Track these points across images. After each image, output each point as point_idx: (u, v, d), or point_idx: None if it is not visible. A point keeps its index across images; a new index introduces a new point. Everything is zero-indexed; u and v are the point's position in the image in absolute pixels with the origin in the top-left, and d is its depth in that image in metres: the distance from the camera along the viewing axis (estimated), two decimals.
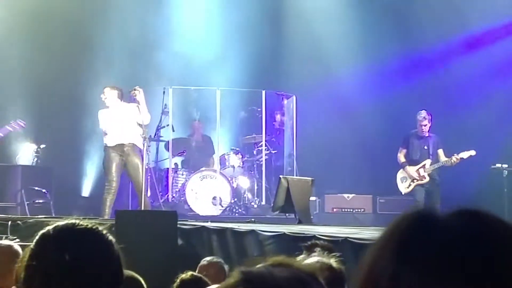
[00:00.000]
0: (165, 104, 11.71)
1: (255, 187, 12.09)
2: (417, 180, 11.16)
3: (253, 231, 7.10)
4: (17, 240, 4.67)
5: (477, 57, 12.99)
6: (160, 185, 11.63)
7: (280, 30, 14.17)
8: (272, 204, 10.07)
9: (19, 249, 3.67)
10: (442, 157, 11.11)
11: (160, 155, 12.26)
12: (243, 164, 12.18)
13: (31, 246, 1.91)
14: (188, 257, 6.41)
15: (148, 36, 13.61)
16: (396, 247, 1.04)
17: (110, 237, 1.94)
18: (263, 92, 12.37)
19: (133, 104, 10.08)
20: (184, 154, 12.38)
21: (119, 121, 10.14)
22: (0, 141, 11.43)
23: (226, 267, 5.21)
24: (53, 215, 9.95)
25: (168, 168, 12.00)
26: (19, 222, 7.94)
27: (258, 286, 1.19)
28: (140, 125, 9.98)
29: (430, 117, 11.15)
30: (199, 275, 4.06)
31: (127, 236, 5.93)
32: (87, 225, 1.93)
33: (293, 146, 12.17)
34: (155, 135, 11.69)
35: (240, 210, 11.55)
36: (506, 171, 11.40)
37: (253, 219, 9.57)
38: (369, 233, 6.74)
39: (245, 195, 11.80)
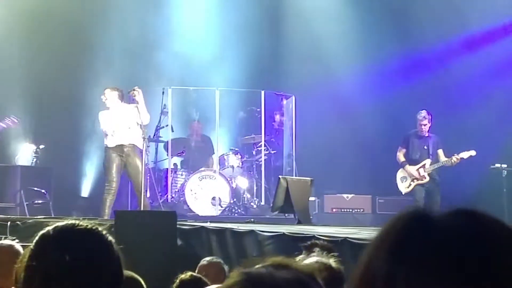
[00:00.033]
0: (164, 104, 11.71)
1: (255, 187, 12.08)
2: (417, 180, 11.15)
3: (252, 231, 7.11)
4: (17, 240, 4.67)
5: (477, 57, 12.99)
6: (159, 185, 11.62)
7: (279, 30, 14.17)
8: (271, 204, 10.07)
9: (21, 249, 3.67)
10: (442, 157, 11.10)
11: (159, 156, 12.25)
12: (242, 164, 12.18)
13: (31, 246, 1.91)
14: (187, 258, 6.41)
15: (147, 36, 13.60)
16: (391, 247, 1.04)
17: (110, 238, 1.94)
18: (262, 92, 12.36)
19: (133, 105, 10.09)
20: (184, 154, 12.38)
21: (120, 122, 10.14)
22: None
23: (226, 267, 5.21)
24: (53, 216, 9.94)
25: (167, 168, 12.00)
26: (18, 222, 7.92)
27: (257, 287, 1.19)
28: (139, 125, 9.98)
29: (430, 117, 11.14)
30: (199, 275, 4.06)
31: (126, 237, 5.93)
32: (87, 225, 1.93)
33: (292, 146, 12.17)
34: (154, 135, 11.69)
35: (239, 211, 11.54)
36: (506, 171, 11.40)
37: (252, 219, 9.57)
38: (369, 233, 6.74)
39: (244, 195, 11.80)
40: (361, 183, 12.84)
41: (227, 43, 13.80)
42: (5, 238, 5.31)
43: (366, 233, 6.75)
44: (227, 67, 13.48)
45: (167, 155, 12.21)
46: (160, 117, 11.69)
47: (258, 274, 1.21)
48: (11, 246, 3.79)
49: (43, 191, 11.15)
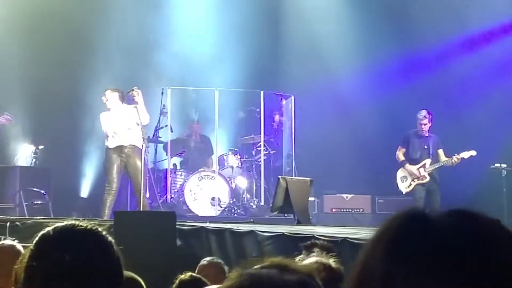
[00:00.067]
0: (164, 105, 11.70)
1: (254, 188, 12.08)
2: (418, 179, 11.12)
3: (252, 231, 7.10)
4: (16, 241, 4.67)
5: (477, 57, 12.99)
6: (158, 185, 11.62)
7: (279, 30, 14.17)
8: (271, 205, 10.05)
9: (22, 250, 3.67)
10: (443, 157, 11.09)
11: (158, 156, 12.25)
12: (241, 164, 12.18)
13: (31, 247, 1.91)
14: (187, 258, 6.41)
15: (146, 36, 13.60)
16: (388, 247, 1.04)
17: (110, 238, 1.94)
18: (262, 92, 12.37)
19: (133, 105, 10.08)
20: (183, 154, 12.39)
21: (121, 123, 10.15)
22: None
23: (226, 268, 5.21)
24: (52, 216, 9.94)
25: (166, 169, 12.00)
26: (17, 223, 7.92)
27: None
28: (139, 125, 9.99)
29: (430, 117, 11.12)
30: (198, 275, 4.05)
31: (125, 237, 5.92)
32: (87, 226, 1.94)
33: (291, 146, 12.17)
34: (153, 135, 11.68)
35: (238, 211, 11.54)
36: (505, 171, 11.41)
37: (251, 220, 9.57)
38: (368, 233, 6.72)
39: (243, 196, 11.80)
40: (360, 183, 12.84)
41: (226, 43, 13.79)
42: (5, 238, 5.31)
43: (366, 233, 6.74)
44: (226, 67, 13.48)
45: (167, 155, 12.21)
46: (159, 118, 11.68)
47: (256, 274, 1.21)
48: (12, 247, 3.79)
49: (42, 191, 11.15)
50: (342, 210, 12.58)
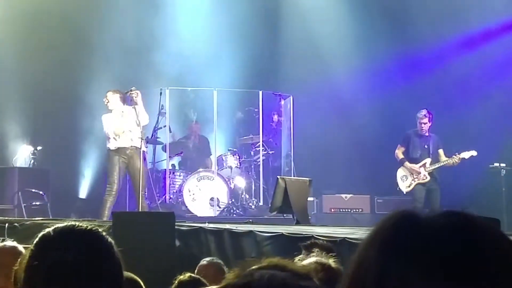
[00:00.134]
0: (162, 105, 11.69)
1: (253, 188, 12.08)
2: (418, 177, 11.09)
3: (250, 232, 7.10)
4: (14, 242, 4.66)
5: (476, 57, 13.00)
6: (157, 186, 11.61)
7: (277, 30, 14.17)
8: (269, 205, 10.05)
9: (23, 251, 3.67)
10: (443, 157, 11.07)
11: (157, 156, 12.24)
12: (240, 164, 12.18)
13: (31, 247, 1.91)
14: (185, 258, 6.40)
15: (145, 36, 13.59)
16: (381, 245, 1.05)
17: (110, 239, 1.94)
18: (260, 92, 12.36)
19: (132, 106, 10.09)
20: (182, 155, 12.38)
21: (122, 125, 10.15)
22: None
23: (225, 268, 5.21)
24: (50, 217, 9.93)
25: (165, 169, 11.99)
26: (16, 224, 7.90)
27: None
28: (138, 126, 9.99)
29: (430, 116, 11.09)
30: (197, 276, 4.05)
31: (124, 238, 5.91)
32: (87, 226, 1.94)
33: (290, 146, 12.17)
34: (152, 136, 11.67)
35: (237, 211, 11.54)
36: (504, 170, 11.42)
37: (250, 220, 9.56)
38: (367, 233, 6.73)
39: (242, 196, 11.79)
40: (359, 183, 12.84)
41: (225, 43, 13.80)
42: (3, 240, 5.31)
43: (365, 233, 6.73)
44: (224, 68, 13.48)
45: (166, 156, 12.20)
46: (158, 118, 11.67)
47: (254, 275, 1.21)
48: (14, 248, 3.79)
49: (41, 192, 11.14)
50: (341, 210, 12.58)
